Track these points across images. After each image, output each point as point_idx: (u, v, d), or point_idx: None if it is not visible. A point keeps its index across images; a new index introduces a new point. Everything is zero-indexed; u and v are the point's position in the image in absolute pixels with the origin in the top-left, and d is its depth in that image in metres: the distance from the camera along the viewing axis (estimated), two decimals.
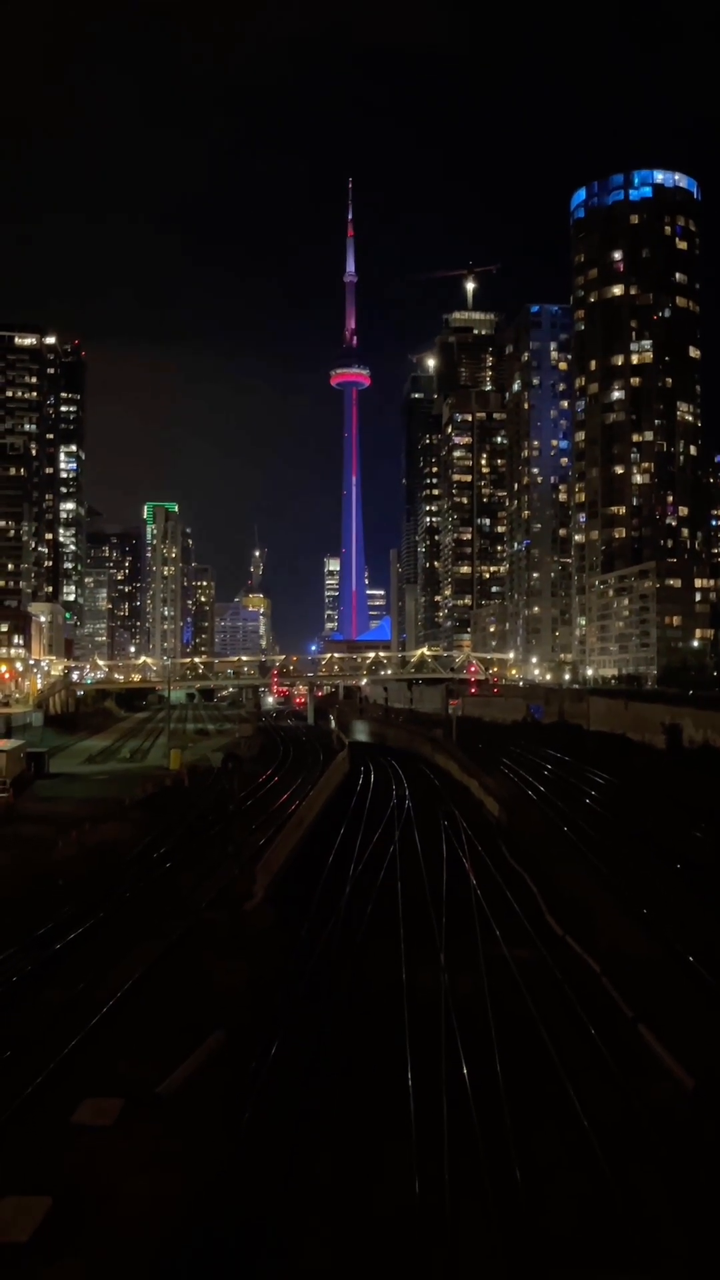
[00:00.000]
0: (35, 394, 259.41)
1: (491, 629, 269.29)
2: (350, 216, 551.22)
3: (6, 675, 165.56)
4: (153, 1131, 20.51)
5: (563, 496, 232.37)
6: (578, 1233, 17.29)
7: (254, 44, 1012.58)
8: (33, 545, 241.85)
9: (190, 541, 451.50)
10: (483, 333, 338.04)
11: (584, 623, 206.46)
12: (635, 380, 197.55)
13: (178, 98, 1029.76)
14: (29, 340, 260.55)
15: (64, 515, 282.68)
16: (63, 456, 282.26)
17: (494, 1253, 16.37)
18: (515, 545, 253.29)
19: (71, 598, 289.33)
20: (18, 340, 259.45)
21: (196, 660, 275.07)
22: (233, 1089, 22.25)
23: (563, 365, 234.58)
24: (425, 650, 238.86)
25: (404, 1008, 27.39)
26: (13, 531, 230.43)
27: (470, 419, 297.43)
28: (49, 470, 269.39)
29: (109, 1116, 20.93)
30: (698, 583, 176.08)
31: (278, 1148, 19.60)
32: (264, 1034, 25.17)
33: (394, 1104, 21.55)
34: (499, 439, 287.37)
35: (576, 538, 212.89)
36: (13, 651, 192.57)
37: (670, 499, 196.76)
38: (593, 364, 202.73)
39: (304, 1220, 17.47)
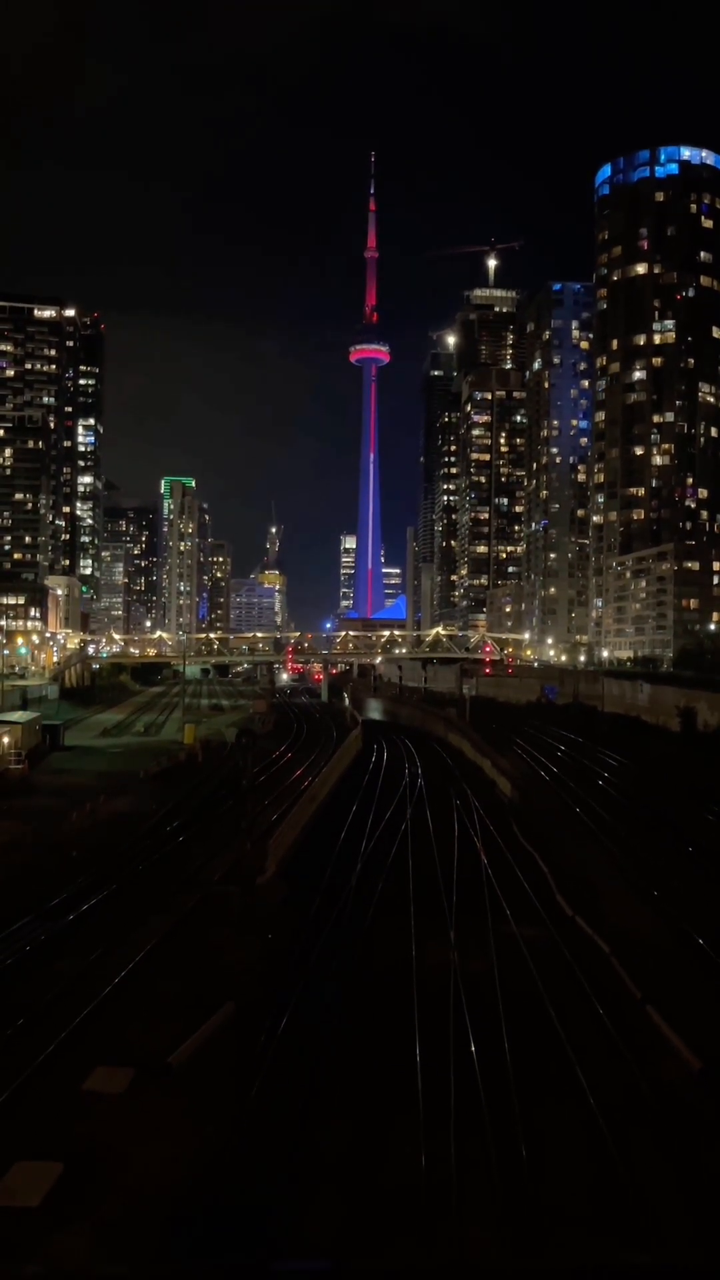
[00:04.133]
0: (54, 367, 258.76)
1: (507, 609, 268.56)
2: (373, 192, 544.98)
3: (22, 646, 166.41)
4: (163, 1101, 20.77)
5: (581, 477, 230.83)
6: (582, 1208, 17.43)
7: (282, 18, 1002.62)
8: (50, 518, 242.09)
9: (207, 517, 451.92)
10: (504, 310, 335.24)
11: (600, 604, 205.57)
12: (657, 360, 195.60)
13: (203, 70, 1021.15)
14: (48, 313, 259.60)
15: (81, 489, 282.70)
16: (81, 430, 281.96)
17: (499, 1226, 16.54)
18: (533, 525, 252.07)
19: (88, 571, 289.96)
20: (37, 313, 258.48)
21: (212, 636, 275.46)
22: (242, 1060, 22.47)
23: (584, 344, 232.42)
24: (440, 629, 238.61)
25: (413, 984, 27.54)
26: (30, 504, 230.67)
27: (490, 397, 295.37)
28: (67, 443, 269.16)
29: (120, 1085, 21.20)
30: (716, 565, 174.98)
31: (286, 1119, 19.81)
32: (274, 1007, 25.38)
33: (402, 1079, 21.72)
34: (518, 418, 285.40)
35: (595, 519, 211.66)
36: (29, 624, 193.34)
37: (690, 481, 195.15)
38: (614, 343, 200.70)
39: (311, 1190, 17.68)
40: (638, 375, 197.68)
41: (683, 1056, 23.21)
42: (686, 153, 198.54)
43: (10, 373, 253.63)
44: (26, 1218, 16.53)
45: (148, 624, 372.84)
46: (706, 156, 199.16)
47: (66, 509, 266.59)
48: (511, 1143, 18.95)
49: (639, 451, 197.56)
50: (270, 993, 26.65)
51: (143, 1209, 17.02)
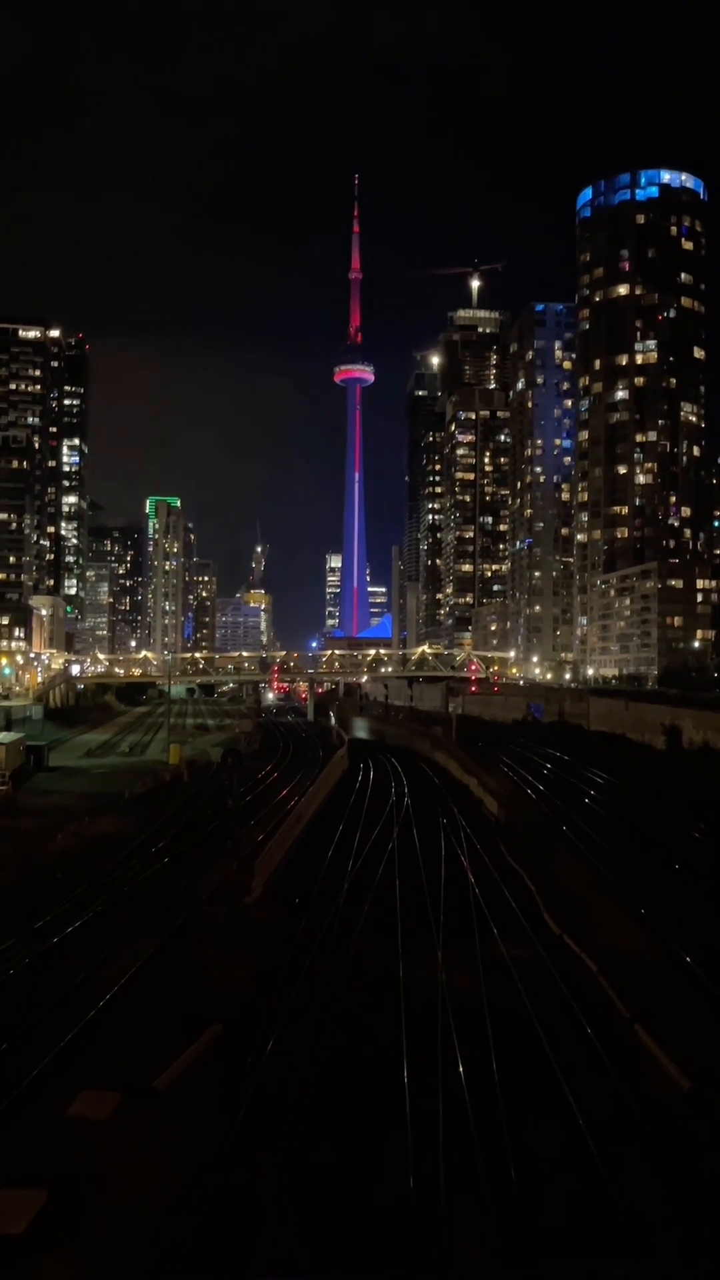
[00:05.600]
0: (38, 387, 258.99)
1: (493, 627, 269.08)
2: (356, 213, 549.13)
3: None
4: (150, 1125, 20.56)
5: (565, 495, 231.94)
6: (572, 1227, 17.34)
7: (265, 42, 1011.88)
8: (34, 538, 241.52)
9: (192, 536, 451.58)
10: (487, 330, 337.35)
11: (585, 622, 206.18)
12: (639, 380, 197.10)
13: (187, 91, 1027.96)
14: (33, 333, 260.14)
15: (66, 509, 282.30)
16: (65, 450, 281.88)
17: (489, 1244, 16.44)
18: (517, 544, 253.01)
19: (73, 591, 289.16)
20: (22, 333, 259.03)
21: (197, 655, 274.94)
22: (230, 1083, 22.30)
23: (567, 364, 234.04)
24: (426, 648, 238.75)
25: (401, 1004, 27.43)
26: (15, 524, 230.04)
27: (474, 417, 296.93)
28: (51, 463, 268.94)
29: (106, 1109, 20.96)
30: (699, 583, 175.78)
31: (274, 1142, 19.66)
32: (261, 1028, 25.23)
33: (390, 1099, 21.60)
34: (502, 437, 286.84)
35: (579, 537, 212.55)
36: (14, 645, 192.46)
37: (673, 499, 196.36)
38: (597, 363, 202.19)
39: (300, 1213, 17.53)
40: (620, 395, 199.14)
41: (671, 1075, 23.16)
42: (666, 176, 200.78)
43: None
44: (11, 1245, 16.33)
45: (133, 644, 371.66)
46: (686, 180, 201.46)
47: (51, 529, 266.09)
48: (500, 1163, 18.85)
49: (622, 470, 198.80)
50: (257, 1013, 26.49)
51: (130, 1234, 16.85)
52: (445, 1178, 18.30)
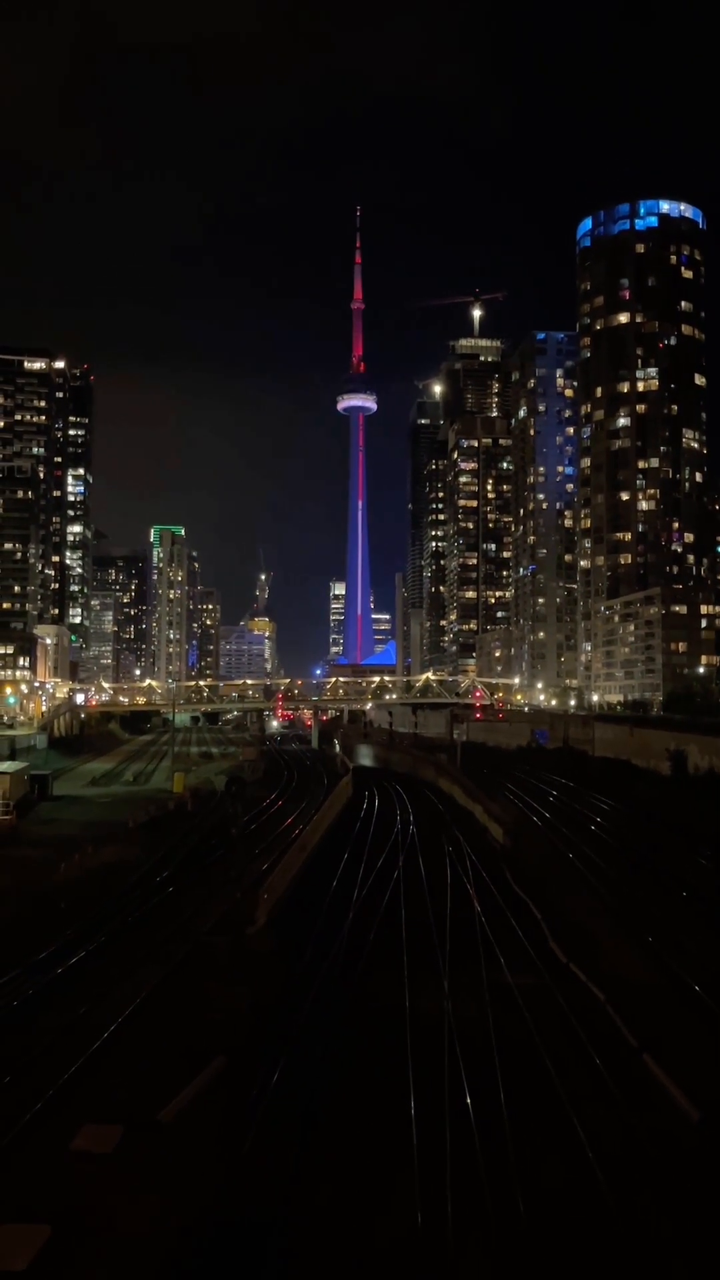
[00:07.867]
0: (44, 418, 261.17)
1: (497, 654, 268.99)
2: (358, 244, 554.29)
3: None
4: (152, 1158, 20.34)
5: (568, 522, 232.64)
6: (581, 1260, 17.07)
7: (276, 78, 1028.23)
8: (39, 568, 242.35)
9: (196, 565, 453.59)
10: (489, 359, 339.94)
11: (589, 648, 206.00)
12: (641, 407, 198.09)
13: (193, 126, 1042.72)
14: (38, 365, 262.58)
15: (71, 538, 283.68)
16: (70, 480, 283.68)
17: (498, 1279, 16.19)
18: (521, 570, 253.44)
19: (77, 620, 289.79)
20: (27, 364, 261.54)
21: (201, 683, 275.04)
22: (233, 1116, 22.06)
23: (569, 392, 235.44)
24: (430, 675, 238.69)
25: (406, 1035, 27.16)
26: (20, 554, 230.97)
27: (476, 445, 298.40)
28: (56, 493, 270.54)
29: (108, 1144, 20.75)
30: (703, 609, 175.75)
31: (278, 1176, 19.41)
32: (265, 1060, 24.98)
33: (396, 1133, 21.33)
34: (505, 465, 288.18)
35: (582, 563, 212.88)
36: (18, 674, 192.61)
37: (676, 525, 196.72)
38: (598, 391, 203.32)
39: (304, 1249, 17.29)
40: (622, 422, 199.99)
41: (680, 1106, 22.89)
42: (665, 206, 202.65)
43: (0, 424, 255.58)
44: None
45: (137, 672, 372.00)
46: (685, 209, 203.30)
47: (56, 558, 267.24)
48: (509, 1199, 18.58)
49: (625, 497, 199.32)
50: (261, 1045, 26.24)
51: (132, 1271, 16.62)
52: (453, 1212, 18.04)
